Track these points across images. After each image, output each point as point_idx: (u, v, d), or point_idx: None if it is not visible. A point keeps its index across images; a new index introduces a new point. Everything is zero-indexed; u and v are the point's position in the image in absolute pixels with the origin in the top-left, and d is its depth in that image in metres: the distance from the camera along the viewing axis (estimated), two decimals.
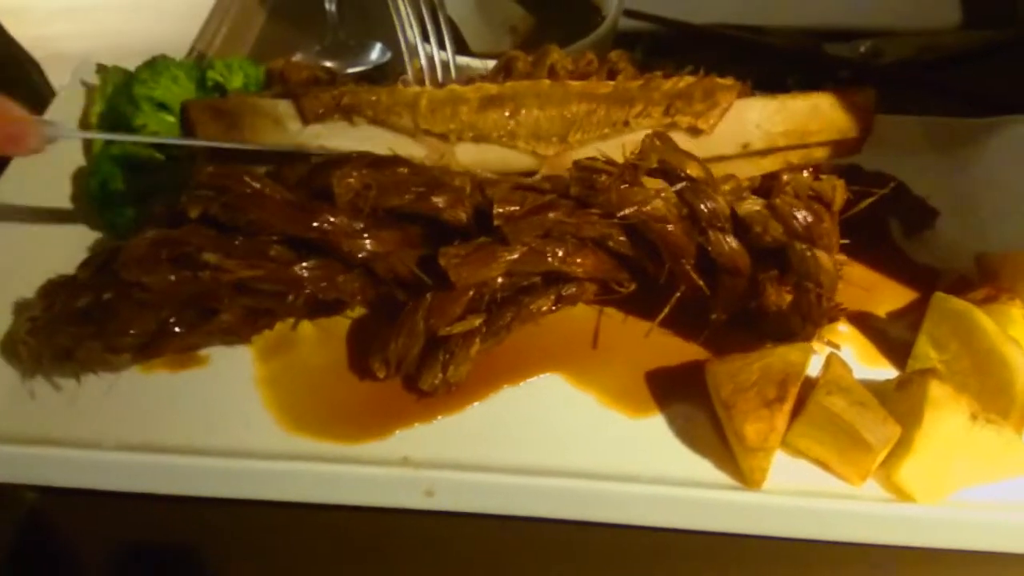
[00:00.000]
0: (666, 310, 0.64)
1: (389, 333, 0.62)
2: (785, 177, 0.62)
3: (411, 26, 0.74)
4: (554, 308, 0.66)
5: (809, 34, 0.99)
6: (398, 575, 0.57)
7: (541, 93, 0.66)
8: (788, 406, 0.57)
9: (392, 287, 0.65)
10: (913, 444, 0.55)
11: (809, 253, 0.59)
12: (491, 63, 0.76)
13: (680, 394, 0.63)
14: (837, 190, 0.60)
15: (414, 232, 0.65)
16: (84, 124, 0.81)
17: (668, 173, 0.61)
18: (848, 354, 0.63)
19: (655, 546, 0.57)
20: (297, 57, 0.94)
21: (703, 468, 0.59)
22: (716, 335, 0.66)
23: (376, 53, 0.97)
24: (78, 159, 0.79)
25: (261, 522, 0.58)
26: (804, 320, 0.62)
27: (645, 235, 0.62)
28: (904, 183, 0.73)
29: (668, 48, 0.97)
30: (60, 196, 0.77)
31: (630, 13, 0.97)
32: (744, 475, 0.58)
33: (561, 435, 0.61)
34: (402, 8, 0.75)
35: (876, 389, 0.58)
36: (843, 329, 0.67)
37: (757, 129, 0.69)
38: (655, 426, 0.62)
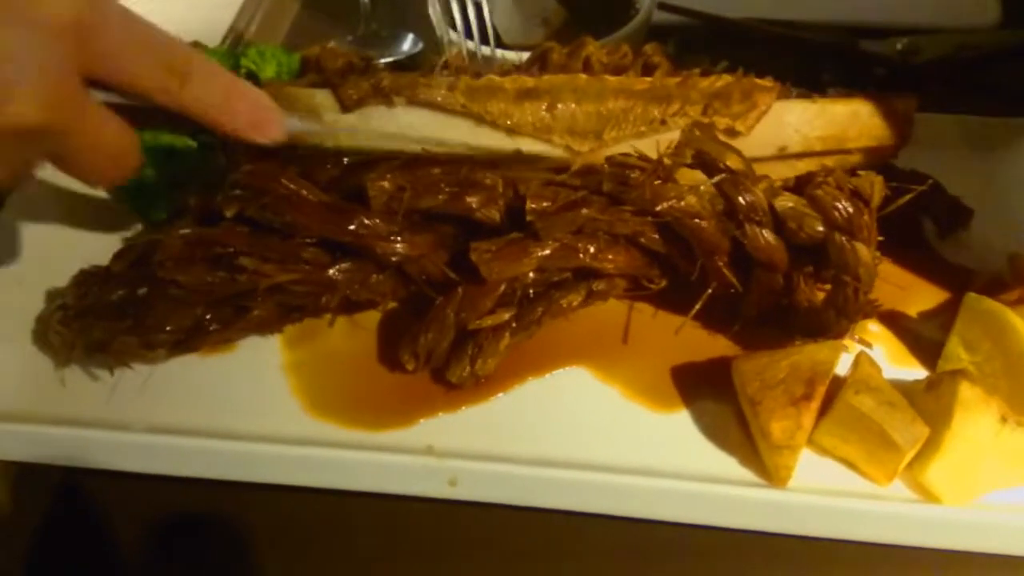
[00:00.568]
0: (697, 307, 0.64)
1: (419, 327, 0.62)
2: (824, 172, 0.61)
3: (450, 16, 0.74)
4: (584, 303, 0.66)
5: (845, 30, 0.97)
6: (419, 563, 0.57)
7: (578, 88, 0.65)
8: (815, 404, 0.57)
9: (423, 286, 0.65)
10: (941, 445, 0.55)
11: (849, 245, 0.58)
12: (524, 55, 0.76)
13: (706, 390, 0.63)
14: (876, 186, 0.59)
15: (446, 231, 0.65)
16: None
17: (707, 165, 0.61)
18: (878, 353, 0.63)
19: (677, 542, 0.57)
20: (331, 45, 0.94)
21: (728, 464, 0.59)
22: (744, 332, 0.65)
23: (408, 44, 0.97)
24: None
25: (285, 507, 0.59)
26: (839, 315, 0.61)
27: (678, 232, 0.61)
28: (939, 182, 0.72)
29: (701, 42, 0.97)
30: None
31: (663, 6, 0.96)
32: (769, 472, 0.57)
33: (586, 428, 0.61)
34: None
35: (905, 389, 0.58)
36: (873, 328, 0.66)
37: (795, 133, 0.68)
38: (680, 421, 0.62)
